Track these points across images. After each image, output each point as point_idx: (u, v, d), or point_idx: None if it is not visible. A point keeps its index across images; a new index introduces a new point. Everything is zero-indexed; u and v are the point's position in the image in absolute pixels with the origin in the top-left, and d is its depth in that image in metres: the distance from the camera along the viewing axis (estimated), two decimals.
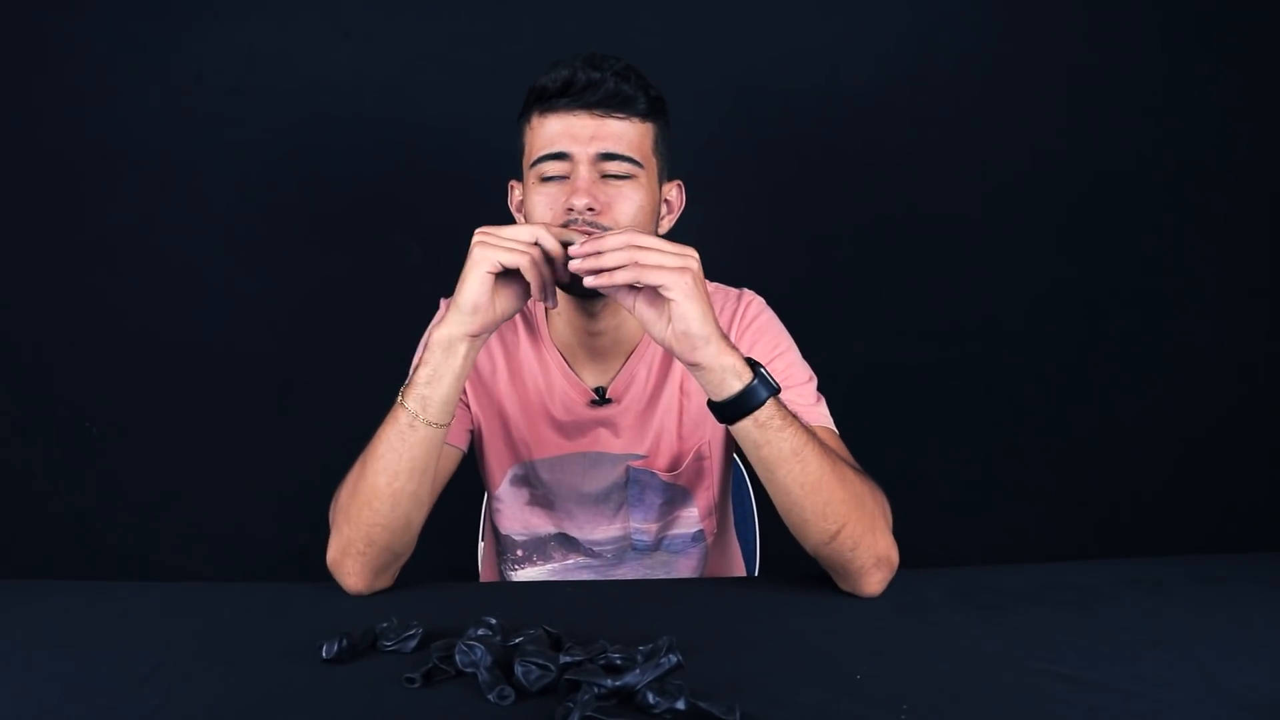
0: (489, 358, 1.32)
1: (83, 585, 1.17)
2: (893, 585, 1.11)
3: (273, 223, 2.04)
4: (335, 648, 0.90)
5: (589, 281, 1.00)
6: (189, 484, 2.09)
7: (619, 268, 0.98)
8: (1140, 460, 2.16)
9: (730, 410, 1.02)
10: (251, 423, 2.09)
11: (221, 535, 2.10)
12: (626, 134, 1.18)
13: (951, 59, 2.05)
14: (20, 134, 1.99)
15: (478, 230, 1.05)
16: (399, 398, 1.08)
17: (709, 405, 1.05)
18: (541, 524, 1.36)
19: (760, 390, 1.01)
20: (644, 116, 1.19)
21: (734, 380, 1.01)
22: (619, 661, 0.85)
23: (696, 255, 1.00)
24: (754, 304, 1.32)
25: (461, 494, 1.78)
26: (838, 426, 1.23)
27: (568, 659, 0.85)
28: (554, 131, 1.17)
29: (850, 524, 1.05)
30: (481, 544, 1.61)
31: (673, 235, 1.30)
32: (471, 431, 1.33)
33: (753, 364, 1.02)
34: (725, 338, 1.01)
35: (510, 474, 1.34)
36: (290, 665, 0.90)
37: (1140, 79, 2.07)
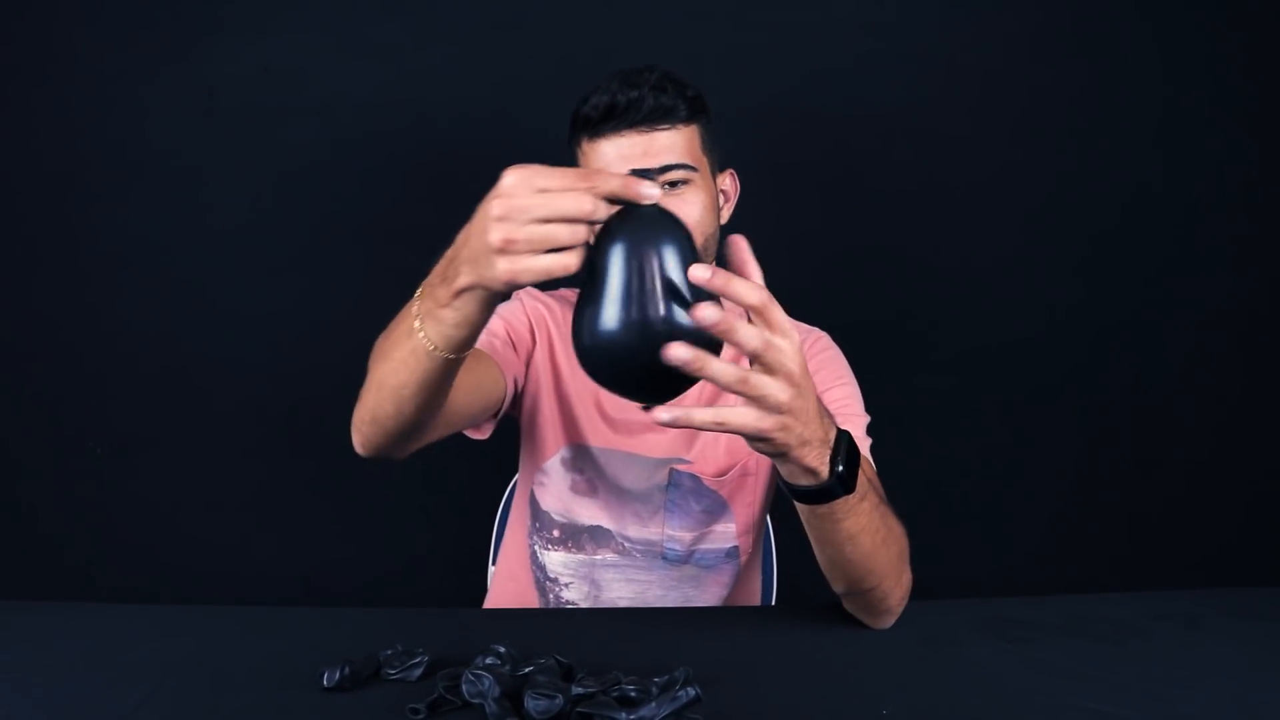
0: (556, 333, 1.34)
1: (76, 607, 1.14)
2: (919, 617, 1.08)
3: (284, 242, 2.02)
4: (337, 675, 0.87)
5: (659, 416, 0.77)
6: (192, 506, 2.05)
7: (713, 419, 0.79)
8: (1163, 486, 2.12)
9: (794, 493, 0.92)
10: (258, 445, 2.06)
11: (224, 559, 2.06)
12: (675, 143, 1.21)
13: (969, 85, 2.03)
14: (26, 146, 1.97)
15: (496, 200, 0.74)
16: (415, 321, 0.88)
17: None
18: (580, 512, 1.36)
19: (835, 488, 0.89)
20: (687, 120, 1.23)
21: (806, 479, 0.88)
22: (633, 694, 0.82)
23: (798, 380, 0.79)
24: (823, 339, 1.38)
25: (471, 518, 1.76)
26: None
27: (579, 690, 0.81)
28: (607, 158, 1.21)
29: (885, 581, 1.02)
30: (492, 568, 1.58)
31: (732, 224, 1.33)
32: (520, 391, 1.32)
33: (837, 448, 0.88)
34: (811, 440, 0.85)
35: (561, 453, 1.35)
36: (289, 693, 0.87)
37: (1148, 102, 2.05)
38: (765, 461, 1.33)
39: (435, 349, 0.87)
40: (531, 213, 0.73)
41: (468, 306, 0.83)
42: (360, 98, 1.98)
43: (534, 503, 1.40)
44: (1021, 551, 2.11)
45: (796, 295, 1.63)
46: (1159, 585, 1.27)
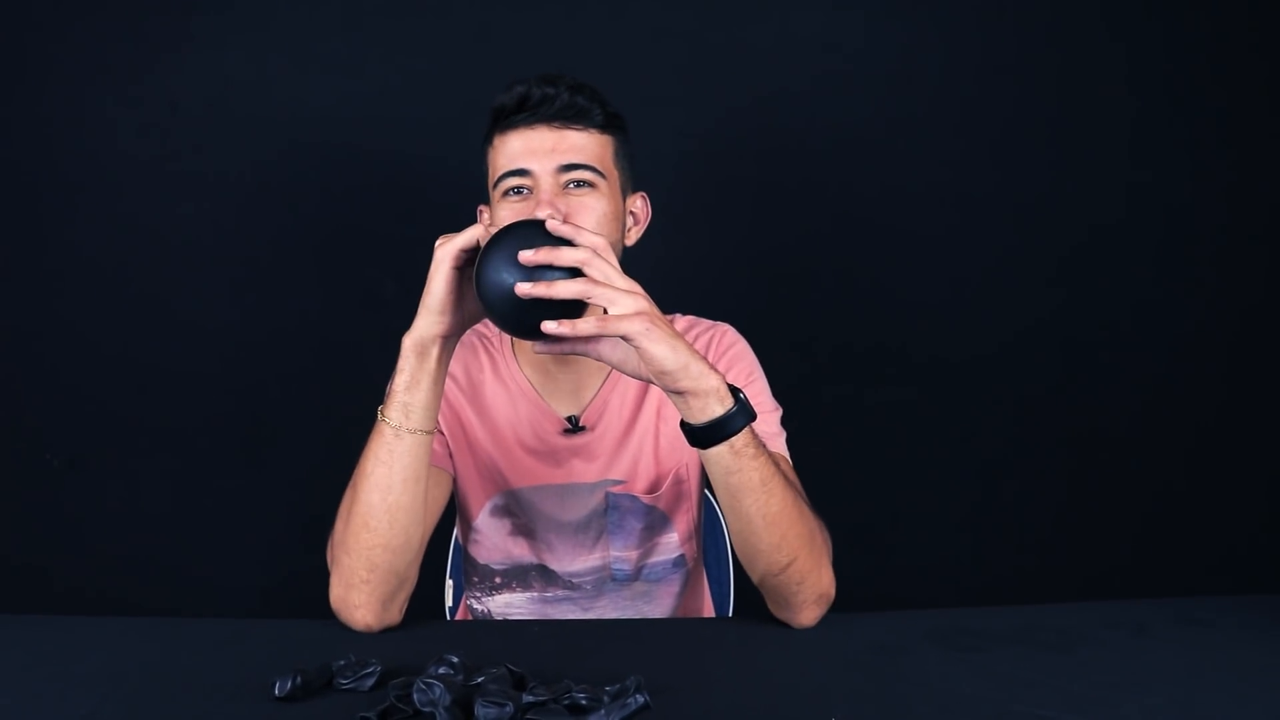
0: (454, 387, 1.29)
1: (26, 619, 1.13)
2: (868, 626, 1.09)
3: (245, 254, 2.02)
4: (289, 685, 0.86)
5: (539, 348, 0.98)
6: (149, 520, 2.04)
7: (576, 319, 0.94)
8: (1123, 503, 2.15)
9: (707, 435, 0.98)
10: (217, 459, 2.05)
11: (181, 574, 2.04)
12: (586, 145, 1.19)
13: (931, 102, 2.06)
14: None
15: (440, 238, 1.04)
16: (379, 415, 1.05)
17: (684, 430, 1.01)
18: (523, 553, 1.33)
19: (740, 416, 0.98)
20: (602, 129, 1.21)
21: (716, 405, 0.97)
22: (584, 701, 0.82)
23: (642, 290, 0.97)
24: (729, 334, 1.34)
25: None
26: (813, 466, 1.25)
27: (530, 699, 0.82)
28: (515, 149, 1.18)
29: (801, 558, 1.05)
30: (449, 581, 1.58)
31: (641, 248, 1.32)
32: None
33: (733, 389, 0.99)
34: (703, 360, 0.98)
35: (490, 504, 1.32)
36: (240, 703, 0.86)
37: (1116, 120, 2.09)
38: (695, 466, 1.32)
39: (400, 426, 1.04)
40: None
41: (413, 364, 1.04)
42: (321, 111, 1.99)
43: (469, 560, 1.38)
44: (982, 571, 2.13)
45: (759, 309, 1.65)
46: (1109, 594, 1.29)
